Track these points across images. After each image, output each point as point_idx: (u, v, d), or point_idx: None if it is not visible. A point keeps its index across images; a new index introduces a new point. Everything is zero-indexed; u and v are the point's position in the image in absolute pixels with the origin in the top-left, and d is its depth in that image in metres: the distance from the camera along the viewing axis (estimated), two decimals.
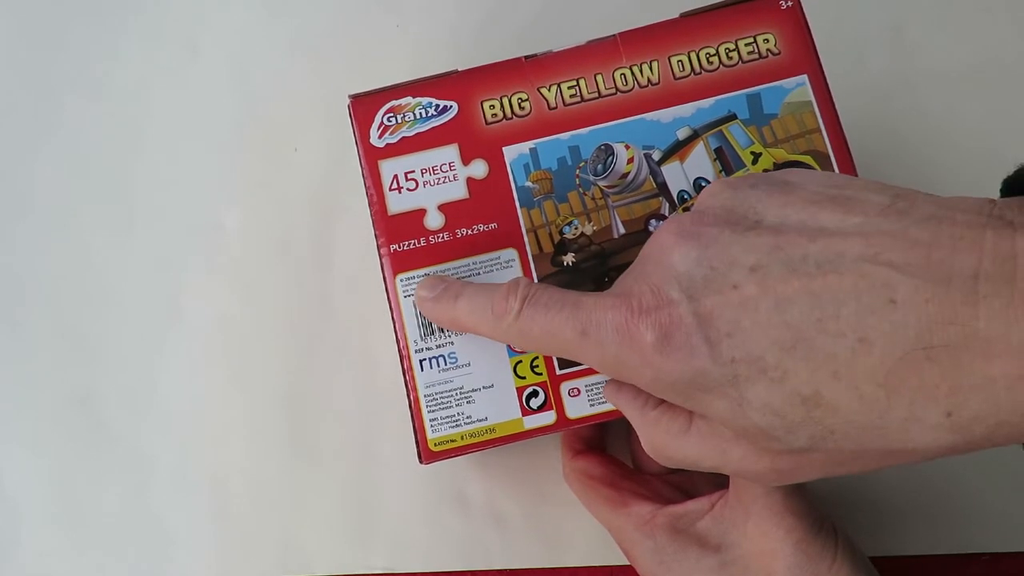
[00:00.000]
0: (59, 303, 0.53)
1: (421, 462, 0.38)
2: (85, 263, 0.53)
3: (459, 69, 0.41)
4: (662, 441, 0.33)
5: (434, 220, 0.40)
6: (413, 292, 0.39)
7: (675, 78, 0.40)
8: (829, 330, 0.27)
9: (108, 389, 0.51)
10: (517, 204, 0.40)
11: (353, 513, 0.49)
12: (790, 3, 0.41)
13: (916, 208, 0.27)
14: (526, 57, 0.41)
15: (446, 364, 0.39)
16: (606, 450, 0.46)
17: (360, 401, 0.50)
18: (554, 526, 0.48)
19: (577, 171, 0.40)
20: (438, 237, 0.39)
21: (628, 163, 0.39)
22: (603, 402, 0.38)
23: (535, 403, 0.38)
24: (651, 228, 0.39)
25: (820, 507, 0.37)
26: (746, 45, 0.40)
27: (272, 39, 0.57)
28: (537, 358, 0.38)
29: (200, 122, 0.56)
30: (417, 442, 0.38)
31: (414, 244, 0.39)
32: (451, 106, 0.41)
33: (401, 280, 0.39)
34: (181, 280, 0.53)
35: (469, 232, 0.39)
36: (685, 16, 0.41)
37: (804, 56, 0.40)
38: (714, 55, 0.40)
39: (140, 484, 0.50)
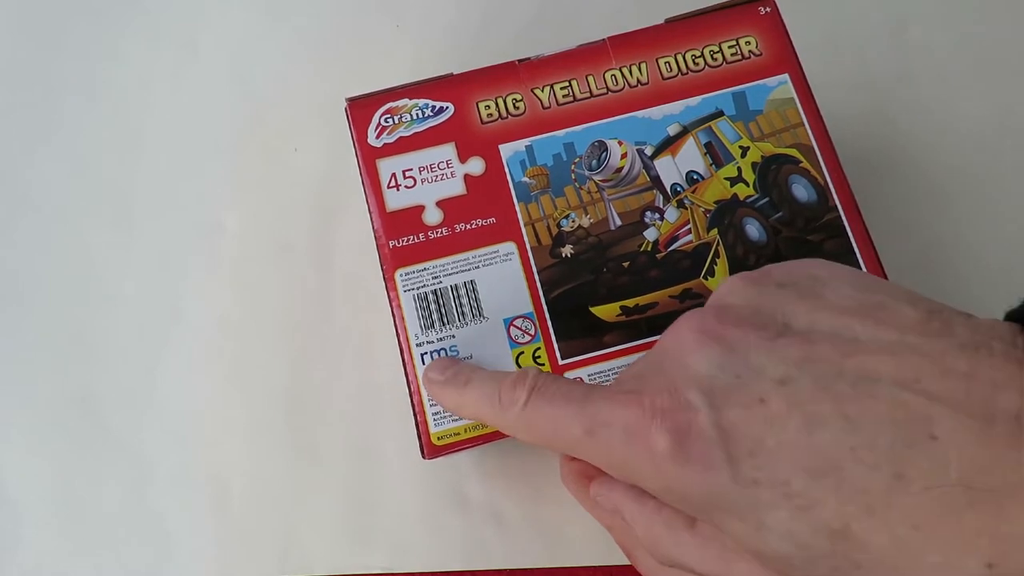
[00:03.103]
0: (59, 303, 0.56)
1: (424, 457, 0.41)
2: (85, 263, 0.57)
3: (454, 72, 0.46)
4: (659, 534, 0.33)
5: (432, 216, 0.43)
6: (413, 287, 0.42)
7: (663, 78, 0.45)
8: (864, 460, 0.26)
9: (108, 389, 0.54)
10: (515, 199, 0.44)
11: (353, 513, 0.51)
12: (768, 9, 0.46)
13: (951, 330, 0.27)
14: (519, 60, 0.46)
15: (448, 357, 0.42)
16: None
17: (360, 401, 0.52)
18: (554, 526, 0.50)
19: (572, 167, 0.44)
20: (437, 232, 0.43)
21: (622, 158, 0.44)
22: None
23: None
24: (646, 219, 0.43)
25: None
26: (729, 47, 0.45)
27: (272, 39, 0.61)
28: (539, 349, 0.42)
29: (200, 122, 0.59)
30: (420, 437, 0.41)
31: (413, 239, 0.43)
32: (447, 107, 0.45)
33: (401, 275, 0.43)
34: (181, 280, 0.56)
35: (468, 227, 0.43)
36: (670, 21, 0.47)
37: (784, 56, 0.45)
38: (699, 57, 0.45)
39: (140, 484, 0.52)
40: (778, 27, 0.46)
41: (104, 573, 0.51)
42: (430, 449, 0.41)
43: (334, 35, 0.61)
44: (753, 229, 0.43)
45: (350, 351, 0.54)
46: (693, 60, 0.45)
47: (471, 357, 0.42)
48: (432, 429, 0.41)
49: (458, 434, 0.41)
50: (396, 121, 0.45)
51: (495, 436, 0.41)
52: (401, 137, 0.45)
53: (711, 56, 0.46)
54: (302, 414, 0.53)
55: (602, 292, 0.42)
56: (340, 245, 0.56)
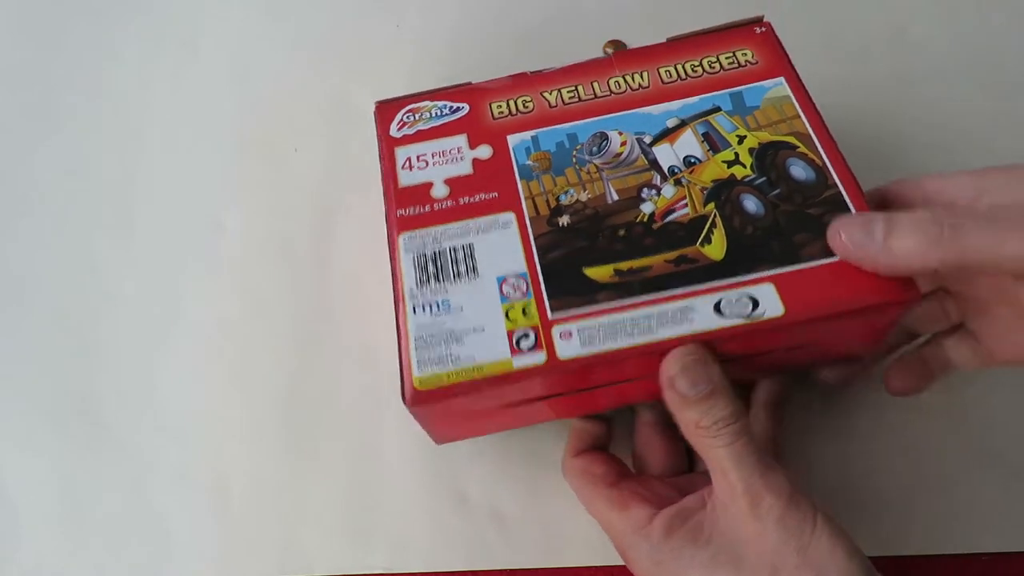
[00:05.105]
0: (59, 303, 0.58)
1: (405, 403, 0.41)
2: (85, 263, 0.59)
3: (472, 82, 0.51)
4: None
5: (440, 191, 0.47)
6: (414, 248, 0.45)
7: (663, 83, 0.50)
8: None
9: (108, 389, 0.56)
10: (517, 177, 0.47)
11: (353, 513, 0.52)
12: (763, 29, 0.51)
13: None
14: (531, 72, 0.51)
15: (439, 310, 0.44)
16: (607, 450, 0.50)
17: (360, 400, 0.54)
18: (554, 526, 0.51)
19: (574, 152, 0.48)
20: (442, 204, 0.47)
21: (621, 145, 0.48)
22: (594, 343, 0.42)
23: (525, 344, 0.42)
24: (643, 195, 0.46)
25: (798, 482, 0.41)
26: (726, 58, 0.50)
27: (272, 39, 0.64)
28: (529, 304, 0.43)
29: (200, 122, 0.62)
30: (402, 382, 0.42)
31: (419, 210, 0.47)
32: (463, 107, 0.50)
33: (403, 238, 0.46)
34: (181, 280, 0.58)
35: (471, 200, 0.47)
36: (671, 40, 0.52)
37: (780, 64, 0.50)
38: (698, 66, 0.50)
39: (140, 484, 0.53)
40: (773, 42, 0.51)
41: (104, 573, 0.52)
42: (412, 395, 0.41)
43: (334, 35, 0.64)
44: (751, 204, 0.45)
45: (350, 351, 0.56)
46: (692, 68, 0.50)
47: (462, 310, 0.44)
48: (415, 373, 0.42)
49: (440, 380, 0.42)
50: (416, 118, 0.50)
51: (479, 385, 0.41)
52: (420, 130, 0.50)
53: (709, 65, 0.50)
54: (302, 414, 0.54)
55: (596, 256, 0.44)
56: (340, 245, 0.58)
